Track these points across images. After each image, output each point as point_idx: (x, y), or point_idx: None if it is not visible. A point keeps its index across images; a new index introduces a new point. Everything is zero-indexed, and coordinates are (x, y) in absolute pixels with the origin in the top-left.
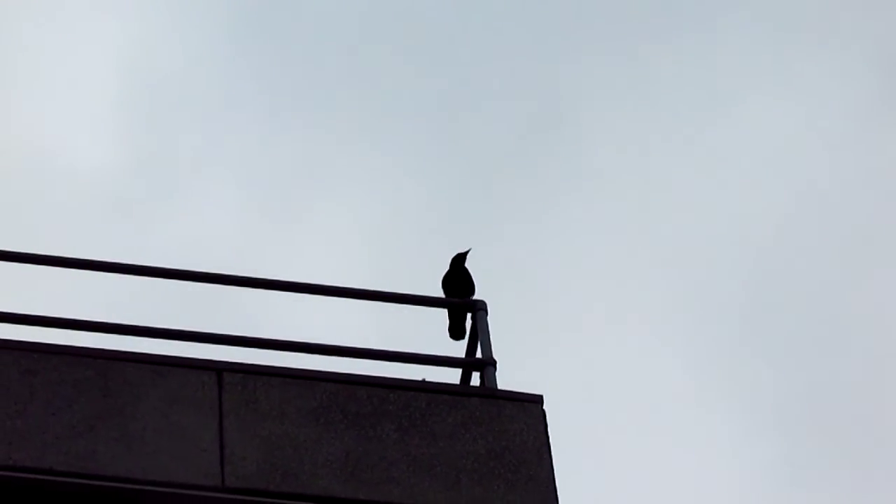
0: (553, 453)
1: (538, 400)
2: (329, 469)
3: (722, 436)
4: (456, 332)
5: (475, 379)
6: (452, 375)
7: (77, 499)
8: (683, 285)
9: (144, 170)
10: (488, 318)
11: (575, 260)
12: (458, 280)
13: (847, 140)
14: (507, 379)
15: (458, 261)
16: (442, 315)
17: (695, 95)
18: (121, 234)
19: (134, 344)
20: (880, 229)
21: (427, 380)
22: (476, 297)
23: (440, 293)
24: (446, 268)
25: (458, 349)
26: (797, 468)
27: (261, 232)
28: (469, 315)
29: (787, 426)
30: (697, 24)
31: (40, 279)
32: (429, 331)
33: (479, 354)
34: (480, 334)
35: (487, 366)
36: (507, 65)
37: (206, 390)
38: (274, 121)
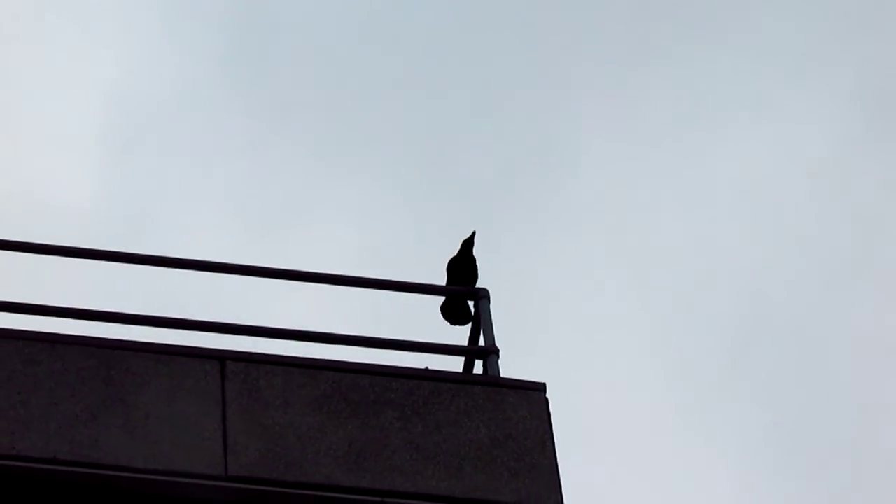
0: (556, 441)
1: (541, 388)
2: (332, 458)
3: (709, 445)
4: (459, 316)
5: (478, 367)
6: (455, 363)
7: (80, 488)
8: (668, 311)
9: (129, 205)
10: (490, 305)
11: (575, 251)
12: (464, 265)
13: (831, 172)
14: (510, 367)
15: (467, 246)
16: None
17: (678, 127)
18: (107, 269)
19: (137, 333)
20: (863, 262)
21: (430, 368)
22: (478, 284)
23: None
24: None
25: (461, 337)
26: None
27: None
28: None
29: (769, 449)
30: (681, 56)
31: (43, 269)
32: (431, 319)
33: (481, 342)
34: (483, 322)
35: (490, 354)
36: (496, 94)
37: (209, 379)
38: (260, 153)
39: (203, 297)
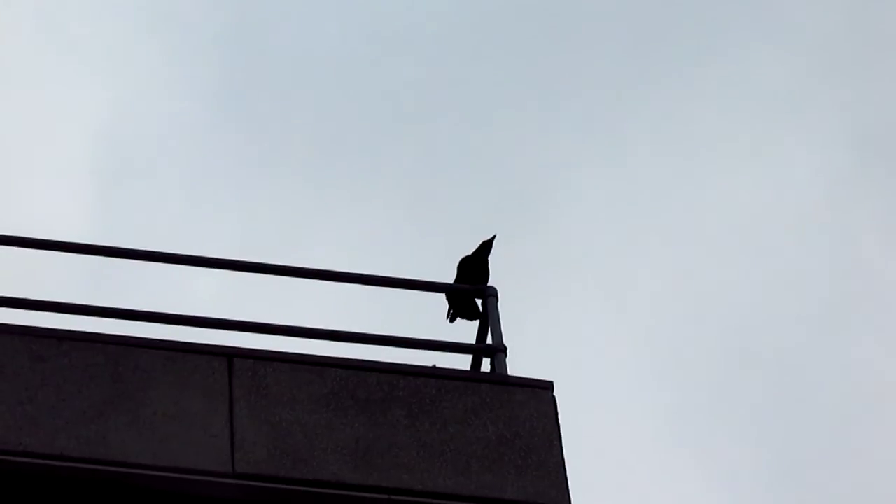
0: (563, 439)
1: (549, 386)
2: (339, 455)
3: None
4: (468, 312)
5: (485, 365)
6: (463, 362)
7: (87, 484)
8: (656, 346)
9: (121, 239)
10: (498, 304)
11: (576, 260)
12: (477, 265)
13: (820, 211)
14: (518, 365)
15: (484, 247)
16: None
17: (668, 166)
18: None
19: (144, 330)
20: (850, 300)
21: (437, 366)
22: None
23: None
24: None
25: (469, 335)
26: None
27: (241, 299)
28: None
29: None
30: (671, 95)
31: (50, 266)
32: (439, 317)
33: (489, 340)
34: (491, 320)
35: (498, 352)
36: (485, 134)
37: (217, 376)
38: (253, 186)
39: (211, 294)
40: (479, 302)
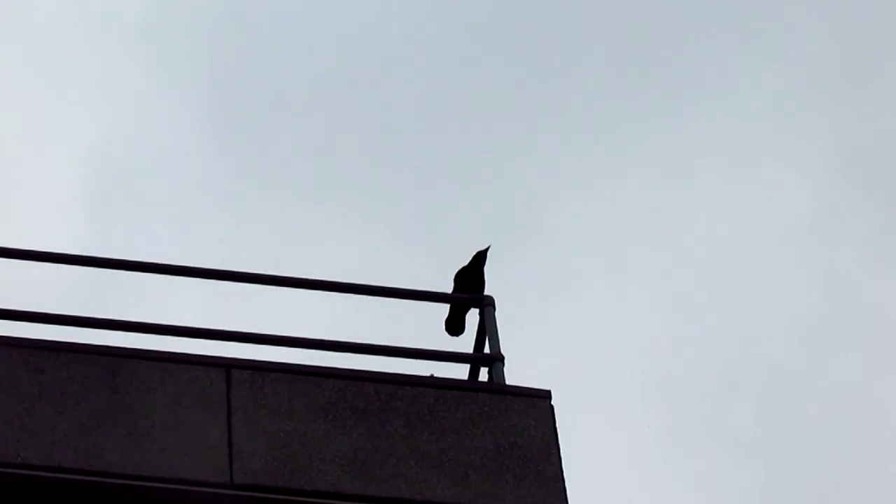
0: (561, 448)
1: (547, 395)
2: (337, 465)
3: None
4: (455, 327)
5: (483, 374)
6: (460, 371)
7: (85, 496)
8: (646, 367)
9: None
10: (496, 313)
11: (572, 270)
12: (473, 275)
13: (806, 233)
14: (516, 374)
15: (479, 258)
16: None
17: (661, 184)
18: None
19: (142, 341)
20: (838, 322)
21: (435, 375)
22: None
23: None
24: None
25: (466, 345)
26: None
27: (238, 310)
28: (476, 311)
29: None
30: (663, 114)
31: (49, 277)
32: (437, 327)
33: (487, 350)
34: (488, 330)
35: (496, 361)
36: (481, 149)
37: (215, 387)
38: (243, 210)
39: (208, 306)
40: (467, 316)
